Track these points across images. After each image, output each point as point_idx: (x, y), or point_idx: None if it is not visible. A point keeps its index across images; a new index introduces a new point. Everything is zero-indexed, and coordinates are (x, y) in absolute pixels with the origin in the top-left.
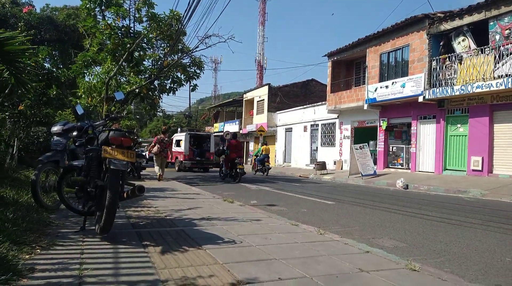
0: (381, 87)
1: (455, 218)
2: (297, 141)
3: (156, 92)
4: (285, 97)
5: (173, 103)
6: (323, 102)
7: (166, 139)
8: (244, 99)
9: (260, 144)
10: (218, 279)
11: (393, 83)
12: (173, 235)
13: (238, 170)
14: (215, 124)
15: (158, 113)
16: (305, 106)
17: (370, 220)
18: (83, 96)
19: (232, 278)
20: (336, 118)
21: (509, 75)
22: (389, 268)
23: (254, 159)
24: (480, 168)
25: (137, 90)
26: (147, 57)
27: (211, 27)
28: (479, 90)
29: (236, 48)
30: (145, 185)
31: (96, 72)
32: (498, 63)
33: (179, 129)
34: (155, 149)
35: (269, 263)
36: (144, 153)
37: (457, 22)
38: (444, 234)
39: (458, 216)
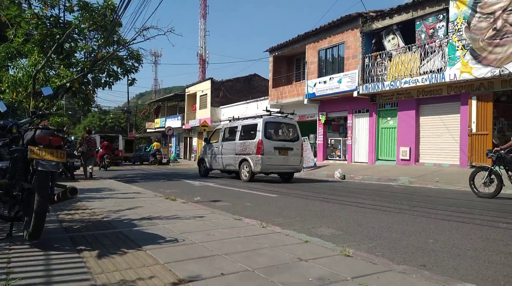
0: (319, 83)
1: (386, 205)
2: None
3: (90, 87)
4: (229, 91)
5: (110, 97)
6: (266, 97)
7: (92, 137)
8: (186, 94)
9: (153, 141)
10: (159, 279)
11: (330, 78)
12: (111, 237)
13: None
14: (156, 120)
15: (93, 108)
16: (248, 101)
17: (310, 210)
18: (7, 91)
19: (173, 277)
20: None
21: (433, 71)
22: (326, 256)
23: (150, 153)
24: (408, 157)
25: (68, 84)
26: (79, 49)
27: (149, 18)
28: (406, 85)
29: (178, 42)
30: (79, 186)
31: (22, 65)
32: (424, 60)
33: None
34: (82, 148)
35: (211, 260)
36: (75, 152)
37: (387, 21)
38: (376, 221)
39: (388, 203)
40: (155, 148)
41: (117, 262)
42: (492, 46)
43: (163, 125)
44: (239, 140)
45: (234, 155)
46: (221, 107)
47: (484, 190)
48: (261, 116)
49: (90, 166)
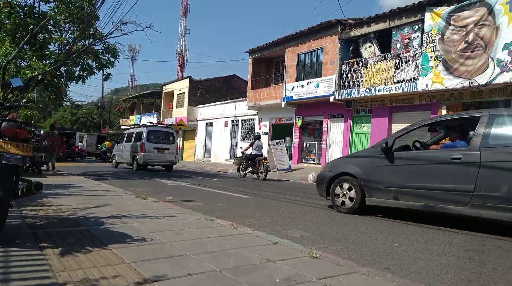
0: (297, 86)
1: None
2: (218, 136)
3: (62, 80)
4: (207, 91)
5: (84, 92)
6: (244, 98)
7: (55, 132)
8: (163, 91)
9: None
10: (123, 279)
11: (308, 83)
12: (76, 235)
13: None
14: (131, 117)
15: (65, 102)
16: (226, 102)
17: (282, 212)
18: None
19: (138, 277)
20: (255, 115)
21: (406, 80)
22: (294, 257)
23: (101, 151)
24: None
25: (40, 77)
26: (53, 41)
27: (127, 13)
28: (380, 93)
29: (157, 38)
30: (46, 181)
31: None
32: (398, 69)
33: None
34: (45, 142)
35: (179, 259)
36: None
37: (365, 29)
38: (343, 224)
39: None
40: (106, 147)
41: (81, 261)
42: (464, 58)
43: (138, 122)
44: (133, 142)
45: (130, 152)
46: (198, 106)
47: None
48: (146, 126)
49: (51, 161)
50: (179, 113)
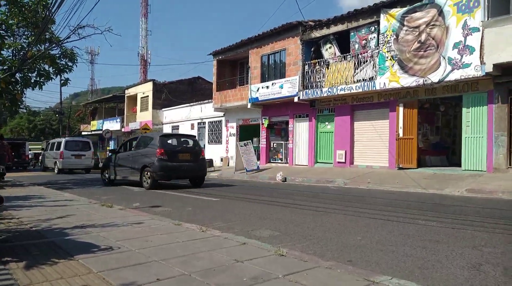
0: (262, 87)
1: (322, 205)
2: None
3: (18, 87)
4: (172, 94)
5: (41, 98)
6: (210, 100)
7: (4, 142)
8: (126, 95)
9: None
10: None
11: (273, 83)
12: (41, 247)
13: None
14: (92, 122)
15: (21, 109)
16: (192, 104)
17: (251, 213)
18: None
19: (107, 285)
20: (222, 116)
21: (365, 79)
22: (261, 256)
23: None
24: (344, 160)
25: None
26: (6, 46)
27: (86, 17)
28: (342, 92)
29: (118, 41)
30: (5, 193)
31: None
32: (357, 69)
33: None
34: None
35: (148, 266)
36: None
37: (325, 31)
38: (311, 221)
39: (324, 204)
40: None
41: (47, 273)
42: (417, 58)
43: (100, 128)
44: (55, 150)
45: (52, 158)
46: (163, 109)
47: None
48: (65, 137)
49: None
50: (144, 117)
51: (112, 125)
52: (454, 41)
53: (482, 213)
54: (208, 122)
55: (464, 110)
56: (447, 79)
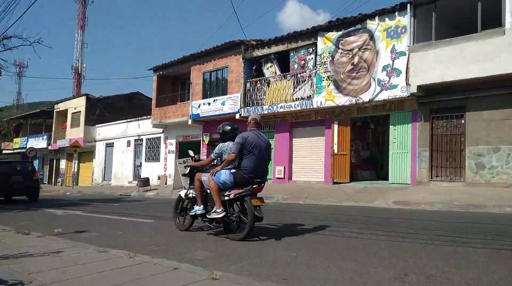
0: (204, 104)
1: (258, 223)
2: (119, 157)
3: None
4: (107, 109)
5: None
6: (149, 116)
7: None
8: (55, 110)
9: None
10: None
11: (214, 100)
12: None
13: None
14: (15, 139)
15: None
16: (129, 120)
17: (186, 234)
18: None
19: None
20: (161, 133)
21: (304, 98)
22: (193, 281)
23: None
24: (283, 176)
25: None
26: None
27: (12, 26)
28: (282, 110)
29: (50, 53)
30: None
31: None
32: (296, 87)
33: None
34: None
35: None
36: None
37: (266, 50)
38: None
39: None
40: None
41: None
42: (351, 79)
43: (24, 146)
44: None
45: None
46: (97, 125)
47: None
48: None
49: None
50: (74, 133)
51: (38, 142)
52: (383, 64)
53: (407, 224)
54: (146, 139)
55: (391, 127)
56: (377, 99)
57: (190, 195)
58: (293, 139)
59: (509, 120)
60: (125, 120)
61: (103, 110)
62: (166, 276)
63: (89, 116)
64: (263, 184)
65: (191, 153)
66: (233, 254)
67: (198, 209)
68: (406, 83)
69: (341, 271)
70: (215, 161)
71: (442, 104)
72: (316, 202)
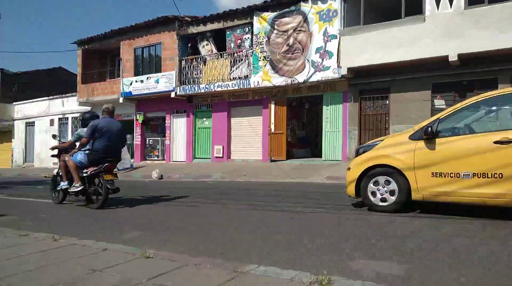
0: (136, 81)
1: (197, 200)
2: (42, 137)
3: None
4: (26, 86)
5: None
6: (74, 93)
7: None
8: None
9: None
10: None
11: (148, 78)
12: None
13: None
14: None
15: None
16: (52, 97)
17: (117, 214)
18: None
19: None
20: None
21: (241, 77)
22: (125, 261)
23: None
24: (221, 155)
25: None
26: None
27: None
28: (219, 89)
29: None
30: None
31: None
32: (233, 67)
33: None
34: None
35: None
36: None
37: (202, 28)
38: (184, 217)
39: (199, 198)
40: None
41: None
42: (286, 59)
43: None
44: None
45: None
46: (15, 103)
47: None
48: None
49: None
50: None
51: None
52: (317, 46)
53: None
54: (72, 118)
55: (324, 107)
56: (311, 80)
57: (61, 173)
58: (232, 118)
59: (428, 101)
60: (47, 98)
61: (21, 86)
62: (94, 257)
63: (5, 93)
64: (114, 163)
65: (54, 137)
66: (167, 233)
67: (63, 184)
68: (338, 65)
69: (278, 243)
70: (77, 143)
71: (370, 86)
72: (255, 180)
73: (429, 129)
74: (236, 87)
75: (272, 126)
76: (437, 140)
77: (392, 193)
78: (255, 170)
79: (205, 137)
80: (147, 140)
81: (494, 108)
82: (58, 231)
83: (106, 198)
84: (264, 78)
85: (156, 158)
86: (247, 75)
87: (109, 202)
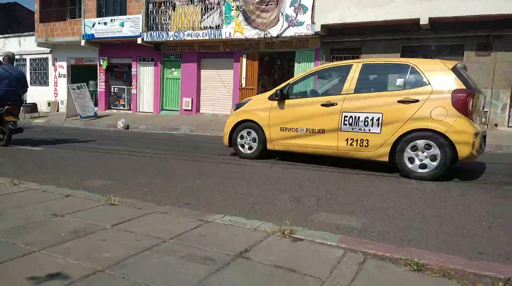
0: (99, 23)
1: (164, 152)
2: None
3: None
4: None
5: None
6: (32, 33)
7: None
8: None
9: None
10: None
11: (112, 20)
12: None
13: None
14: None
15: None
16: (7, 36)
17: (82, 162)
18: None
19: None
20: (48, 53)
21: (212, 27)
22: (88, 208)
23: None
24: (190, 108)
25: None
26: None
27: None
28: (189, 38)
29: None
30: None
31: None
32: (204, 15)
33: None
34: None
35: None
36: None
37: None
38: (152, 167)
39: (165, 151)
40: None
41: None
42: (260, 11)
43: None
44: None
45: None
46: None
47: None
48: None
49: None
50: None
51: None
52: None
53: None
54: (30, 59)
55: (296, 64)
56: (284, 34)
57: None
58: (201, 70)
59: None
60: (1, 35)
61: None
62: (56, 202)
63: None
64: (15, 106)
65: None
66: (134, 182)
67: None
68: (312, 21)
69: (242, 195)
70: None
71: (341, 45)
72: (223, 134)
73: (280, 91)
74: (207, 37)
75: (243, 81)
76: (286, 101)
77: (254, 141)
78: (224, 125)
79: (174, 89)
80: (112, 88)
81: (331, 76)
82: (18, 176)
83: (10, 136)
84: (236, 29)
85: (122, 108)
86: (219, 25)
87: None
